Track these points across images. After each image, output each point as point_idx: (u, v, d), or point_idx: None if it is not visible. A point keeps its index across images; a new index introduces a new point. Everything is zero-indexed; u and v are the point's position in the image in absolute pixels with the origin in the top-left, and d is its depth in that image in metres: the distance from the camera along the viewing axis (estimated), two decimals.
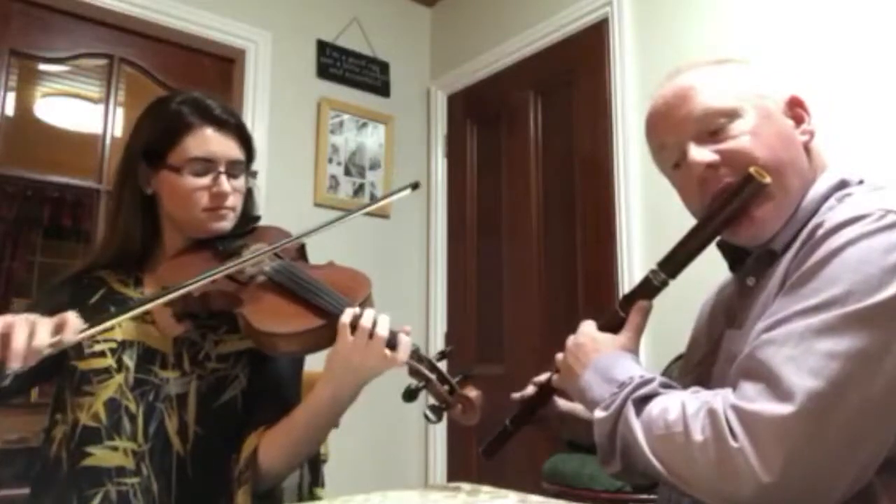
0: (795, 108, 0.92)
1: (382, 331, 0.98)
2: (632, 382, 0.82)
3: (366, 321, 0.97)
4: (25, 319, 0.85)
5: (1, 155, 2.48)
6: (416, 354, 1.00)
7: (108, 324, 0.92)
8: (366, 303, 1.05)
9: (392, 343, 0.98)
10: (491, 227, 3.14)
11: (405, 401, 0.97)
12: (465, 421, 0.98)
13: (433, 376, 0.98)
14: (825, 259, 0.74)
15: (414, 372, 1.00)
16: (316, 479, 1.14)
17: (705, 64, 0.94)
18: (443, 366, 1.01)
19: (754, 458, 0.68)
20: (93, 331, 0.90)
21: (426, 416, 0.97)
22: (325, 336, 1.00)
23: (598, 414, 0.83)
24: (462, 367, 1.02)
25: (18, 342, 0.82)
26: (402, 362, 0.99)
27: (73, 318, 0.88)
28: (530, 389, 1.08)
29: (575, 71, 2.81)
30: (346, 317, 0.98)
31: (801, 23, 2.10)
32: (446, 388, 0.98)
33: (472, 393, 0.97)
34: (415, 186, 1.12)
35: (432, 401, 0.99)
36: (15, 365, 0.81)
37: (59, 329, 0.86)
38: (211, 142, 1.11)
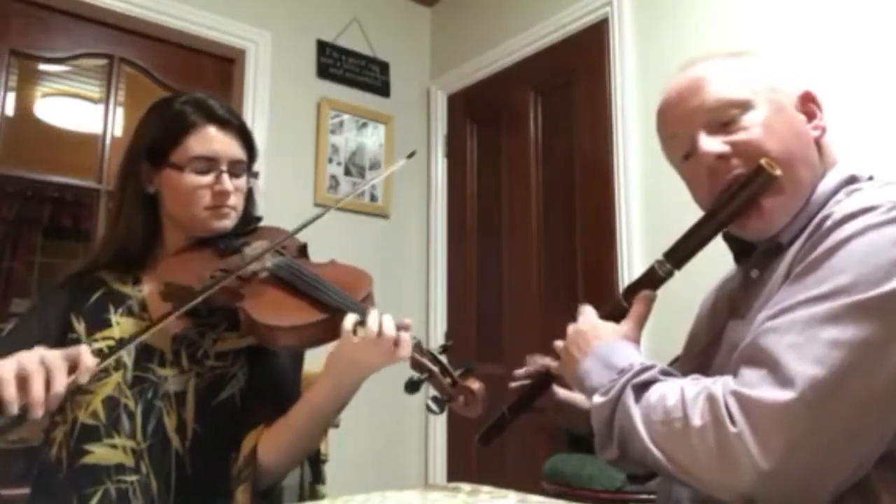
0: (808, 104, 0.92)
1: (389, 330, 0.97)
2: (631, 369, 0.82)
3: (373, 321, 0.97)
4: (40, 363, 0.83)
5: (1, 155, 2.48)
6: (418, 347, 1.00)
7: (120, 353, 0.92)
8: (367, 299, 1.05)
9: (396, 340, 0.98)
10: (491, 227, 3.14)
11: (407, 392, 0.97)
12: (467, 413, 0.98)
13: (436, 368, 0.98)
14: (832, 249, 0.74)
15: (417, 364, 1.00)
16: (317, 477, 1.15)
17: (719, 56, 0.94)
18: (445, 359, 1.01)
19: (753, 444, 0.67)
20: (105, 363, 0.90)
21: (428, 408, 0.97)
22: (327, 330, 1.01)
23: (597, 400, 0.83)
24: (463, 363, 1.02)
25: (37, 391, 0.81)
26: (405, 358, 0.98)
27: (85, 355, 0.86)
28: (528, 368, 1.08)
29: (575, 71, 2.81)
30: (350, 319, 0.98)
31: (802, 22, 2.10)
32: (448, 380, 0.98)
33: (475, 385, 0.97)
34: (410, 156, 1.15)
35: (434, 393, 0.99)
36: (36, 414, 0.81)
37: (73, 369, 0.85)
38: (214, 141, 1.12)
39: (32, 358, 0.83)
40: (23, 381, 0.81)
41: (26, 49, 2.55)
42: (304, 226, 1.06)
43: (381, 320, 0.98)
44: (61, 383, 0.83)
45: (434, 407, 0.98)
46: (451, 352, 1.05)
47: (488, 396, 0.98)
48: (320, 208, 3.02)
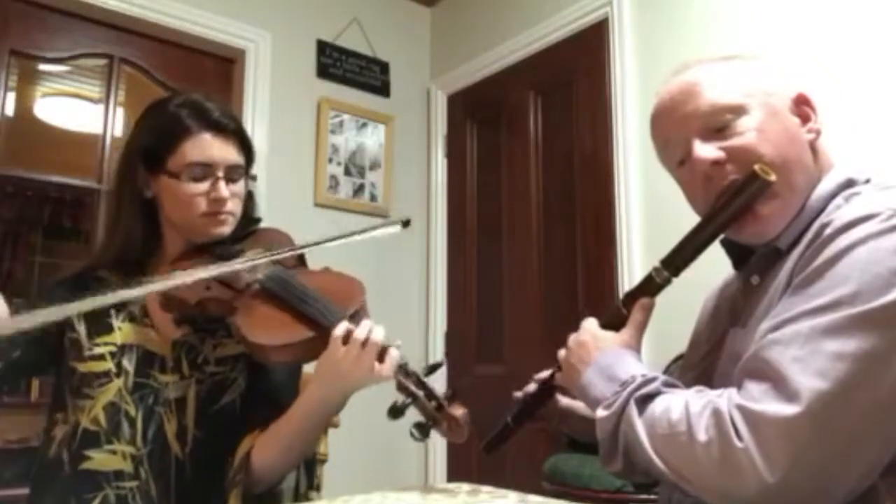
0: (802, 106, 0.91)
1: (374, 344, 0.96)
2: (634, 381, 0.82)
3: (359, 334, 0.96)
4: None
5: (1, 155, 2.48)
6: (403, 370, 0.98)
7: (41, 316, 0.87)
8: (359, 312, 1.04)
9: (381, 357, 0.97)
10: (491, 227, 3.13)
11: (390, 418, 0.94)
12: (451, 438, 0.96)
13: (420, 393, 0.96)
14: (833, 259, 0.73)
15: (401, 388, 0.97)
16: (311, 482, 1.14)
17: (712, 60, 0.94)
18: (433, 379, 0.99)
19: (759, 458, 0.67)
20: (17, 324, 0.89)
21: (412, 434, 0.95)
22: (316, 347, 0.99)
23: (601, 413, 0.83)
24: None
25: None
26: (387, 377, 0.97)
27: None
28: (532, 386, 1.07)
29: (575, 71, 2.81)
30: (340, 329, 0.97)
31: (803, 22, 2.10)
32: (433, 404, 0.96)
33: (459, 411, 0.95)
34: (405, 224, 1.07)
35: (419, 417, 0.97)
36: None
37: None
38: (209, 147, 1.10)
39: None
40: None
41: (26, 49, 2.55)
42: (304, 247, 1.05)
43: (369, 332, 0.96)
44: None
45: (417, 434, 0.95)
46: (448, 359, 1.03)
47: (473, 423, 0.95)
48: (320, 209, 3.03)
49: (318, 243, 1.05)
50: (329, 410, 1.04)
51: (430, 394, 0.96)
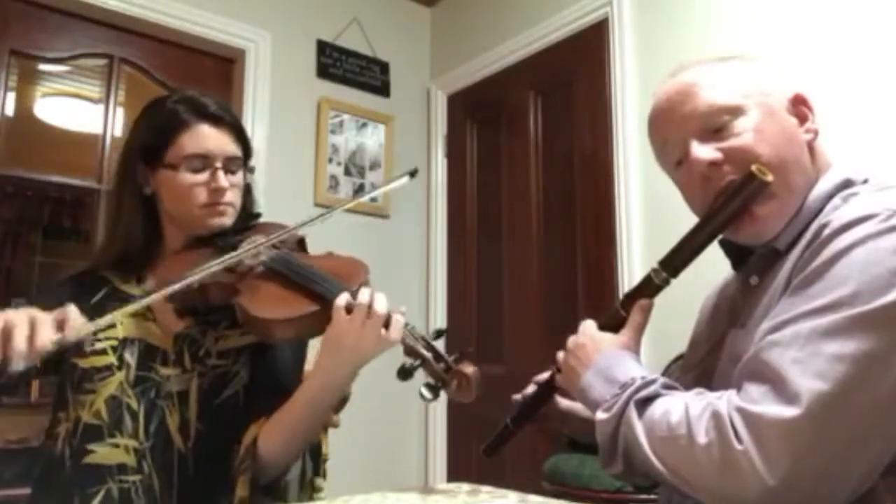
0: (799, 106, 0.91)
1: (380, 310, 0.96)
2: (633, 383, 0.82)
3: (362, 301, 0.96)
4: (26, 316, 0.85)
5: (1, 155, 2.48)
6: (411, 333, 0.99)
7: (110, 318, 0.92)
8: (362, 288, 1.04)
9: (387, 323, 0.97)
10: (491, 227, 3.14)
11: (400, 379, 0.95)
12: (461, 398, 0.97)
13: (429, 354, 0.97)
14: (832, 259, 0.73)
15: (410, 351, 0.99)
16: (317, 470, 1.14)
17: (709, 61, 0.94)
18: (439, 345, 1.00)
19: (759, 461, 0.67)
20: (95, 325, 0.90)
21: (421, 395, 0.95)
22: (321, 321, 1.00)
23: (600, 415, 0.83)
24: (459, 351, 1.00)
25: (19, 342, 0.82)
26: (395, 341, 0.97)
27: (74, 314, 0.88)
28: (531, 389, 1.07)
29: (575, 71, 2.81)
30: (342, 299, 0.97)
31: (803, 22, 2.10)
32: (442, 365, 0.97)
33: (469, 369, 0.96)
34: (413, 174, 1.10)
35: (428, 379, 0.97)
36: (18, 365, 0.82)
37: (60, 325, 0.87)
38: (207, 138, 1.12)
39: (19, 313, 0.85)
40: (6, 334, 0.83)
41: (26, 49, 2.55)
42: (305, 223, 1.06)
43: (372, 299, 0.97)
44: (45, 337, 0.84)
45: (427, 394, 0.95)
46: (448, 333, 1.04)
47: (483, 381, 0.96)
48: (320, 208, 3.03)
49: (321, 216, 1.06)
50: (333, 391, 1.03)
51: (438, 355, 0.97)
